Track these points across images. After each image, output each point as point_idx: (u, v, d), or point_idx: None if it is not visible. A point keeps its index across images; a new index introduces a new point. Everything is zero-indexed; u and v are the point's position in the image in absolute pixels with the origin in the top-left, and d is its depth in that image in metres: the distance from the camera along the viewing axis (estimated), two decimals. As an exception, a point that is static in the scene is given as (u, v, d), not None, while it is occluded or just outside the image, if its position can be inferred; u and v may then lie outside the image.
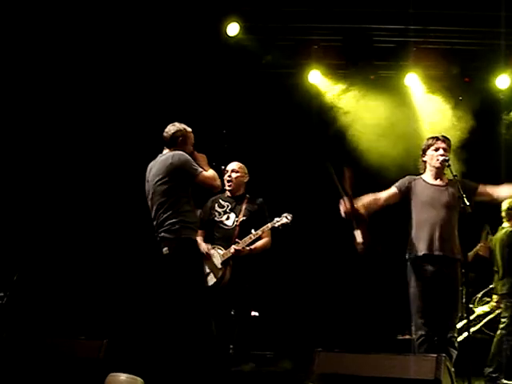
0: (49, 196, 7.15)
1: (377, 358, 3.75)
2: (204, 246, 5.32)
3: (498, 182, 5.01)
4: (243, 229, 5.35)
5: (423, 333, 4.63)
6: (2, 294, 5.96)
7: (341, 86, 7.86)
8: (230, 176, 5.53)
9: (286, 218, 5.26)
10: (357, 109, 7.69)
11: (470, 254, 7.19)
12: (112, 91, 7.36)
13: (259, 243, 5.33)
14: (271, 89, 7.95)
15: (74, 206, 7.23)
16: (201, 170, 4.96)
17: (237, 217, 5.39)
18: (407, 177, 4.99)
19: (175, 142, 5.05)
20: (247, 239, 5.26)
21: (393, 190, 4.93)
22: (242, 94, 7.90)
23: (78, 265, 7.07)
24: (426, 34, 7.33)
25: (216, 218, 5.47)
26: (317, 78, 7.89)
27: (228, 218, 5.43)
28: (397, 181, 5.00)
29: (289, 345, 7.07)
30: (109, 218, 7.26)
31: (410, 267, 4.81)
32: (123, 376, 4.06)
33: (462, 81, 7.85)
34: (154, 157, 5.16)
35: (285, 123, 8.03)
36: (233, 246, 5.25)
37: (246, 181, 5.58)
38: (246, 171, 5.61)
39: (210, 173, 5.02)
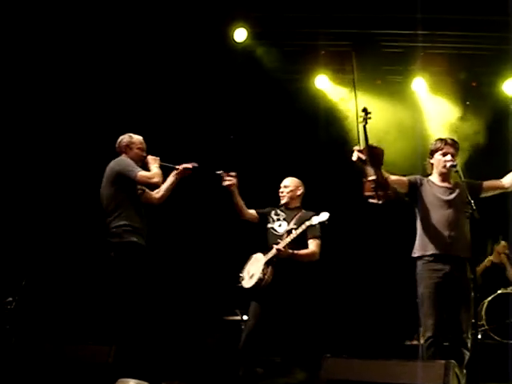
0: (58, 202, 7.18)
1: (385, 364, 3.74)
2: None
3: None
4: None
5: (431, 334, 4.61)
6: (10, 299, 5.98)
7: (348, 91, 7.86)
8: (282, 192, 5.66)
9: (324, 216, 5.30)
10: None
11: (479, 268, 7.20)
12: (118, 97, 7.38)
13: (303, 251, 5.36)
14: (278, 94, 7.96)
15: (82, 212, 7.24)
16: (138, 170, 5.14)
17: (288, 225, 5.48)
18: (417, 175, 5.00)
19: (122, 149, 5.36)
20: (287, 239, 5.32)
21: (403, 177, 4.92)
22: (250, 99, 7.91)
23: (87, 270, 7.09)
24: (433, 38, 7.32)
25: (269, 225, 5.60)
26: (324, 83, 7.90)
27: (280, 226, 5.53)
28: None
29: (296, 350, 7.05)
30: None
31: (419, 268, 4.80)
32: (132, 381, 4.07)
33: (469, 86, 7.85)
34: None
35: (292, 128, 8.05)
36: (274, 246, 5.32)
37: (299, 194, 5.66)
38: (300, 185, 5.70)
39: (150, 172, 5.19)
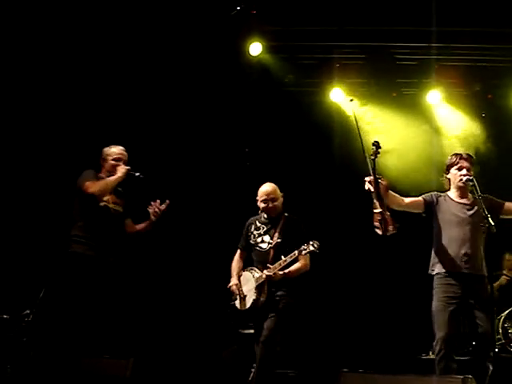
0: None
1: (402, 379, 3.75)
2: (234, 284, 5.44)
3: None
4: (278, 251, 5.28)
5: (441, 348, 4.61)
6: (27, 312, 5.99)
7: (363, 104, 7.87)
8: (265, 203, 5.43)
9: (313, 245, 5.15)
10: (379, 127, 7.69)
11: (496, 284, 7.16)
12: (132, 111, 7.42)
13: (294, 267, 5.24)
14: (293, 107, 7.98)
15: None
16: (85, 181, 5.17)
17: (271, 239, 5.34)
18: (434, 192, 5.01)
19: (100, 162, 5.41)
20: (277, 265, 5.18)
21: (418, 198, 4.96)
22: (265, 112, 7.93)
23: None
24: (448, 51, 7.35)
25: (251, 241, 5.46)
26: (339, 96, 7.90)
27: (263, 241, 5.39)
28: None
29: (310, 364, 7.03)
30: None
31: (435, 282, 4.82)
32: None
33: (484, 98, 7.84)
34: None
35: (307, 141, 8.05)
36: (265, 272, 5.19)
37: (280, 202, 5.47)
38: (278, 192, 5.49)
39: (95, 183, 5.17)
